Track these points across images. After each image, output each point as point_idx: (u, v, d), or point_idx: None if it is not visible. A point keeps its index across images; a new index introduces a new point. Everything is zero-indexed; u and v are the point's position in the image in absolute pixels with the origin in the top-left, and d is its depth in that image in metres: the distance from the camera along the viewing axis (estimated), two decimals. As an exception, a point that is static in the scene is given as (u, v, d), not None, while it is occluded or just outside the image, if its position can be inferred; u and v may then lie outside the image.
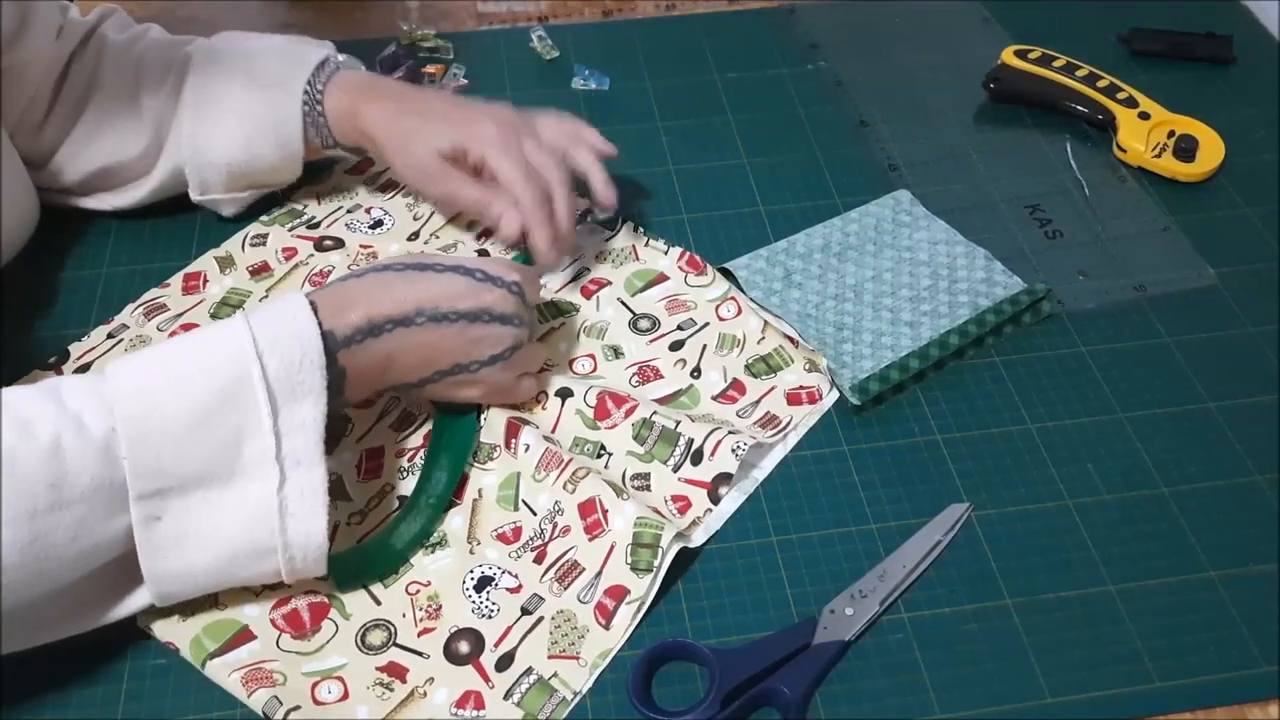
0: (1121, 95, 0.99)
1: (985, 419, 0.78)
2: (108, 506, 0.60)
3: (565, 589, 0.68)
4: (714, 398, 0.79)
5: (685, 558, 0.70)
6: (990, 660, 0.66)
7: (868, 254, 0.87)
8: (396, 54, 1.06)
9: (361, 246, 0.89)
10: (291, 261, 0.88)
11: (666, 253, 0.88)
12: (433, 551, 0.70)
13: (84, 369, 0.80)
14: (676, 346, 0.82)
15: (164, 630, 0.66)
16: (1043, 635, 0.67)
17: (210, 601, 0.67)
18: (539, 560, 0.70)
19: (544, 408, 0.77)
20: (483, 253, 0.88)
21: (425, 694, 0.64)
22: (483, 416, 0.76)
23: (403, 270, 0.70)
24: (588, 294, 0.86)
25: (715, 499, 0.72)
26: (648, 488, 0.73)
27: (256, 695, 0.63)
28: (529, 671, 0.65)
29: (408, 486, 0.73)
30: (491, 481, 0.73)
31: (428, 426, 0.77)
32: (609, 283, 0.86)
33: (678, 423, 0.74)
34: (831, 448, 0.76)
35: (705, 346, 0.82)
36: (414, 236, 0.90)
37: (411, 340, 0.69)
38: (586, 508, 0.71)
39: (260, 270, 0.87)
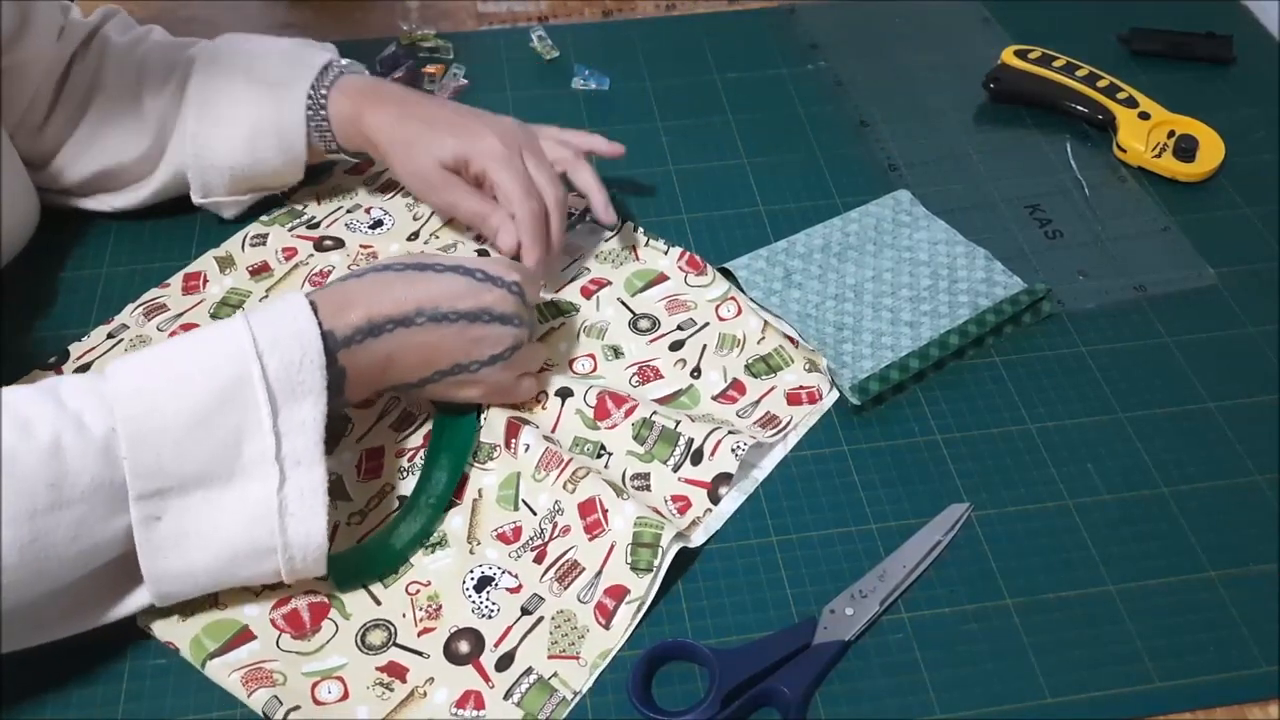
0: (1121, 95, 0.99)
1: (985, 419, 0.78)
2: (108, 506, 0.60)
3: (565, 589, 0.68)
4: (714, 398, 0.79)
5: (685, 558, 0.70)
6: (990, 660, 0.66)
7: (868, 254, 0.87)
8: (396, 54, 1.06)
9: (361, 246, 0.89)
10: (291, 261, 0.88)
11: (666, 253, 0.88)
12: (433, 551, 0.70)
13: (84, 369, 0.80)
14: (676, 346, 0.82)
15: (164, 630, 0.66)
16: (1043, 635, 0.67)
17: (210, 601, 0.67)
18: (539, 560, 0.70)
19: (544, 408, 0.77)
20: (482, 253, 0.88)
21: (425, 694, 0.64)
22: (483, 416, 0.76)
23: (403, 270, 0.70)
24: (588, 294, 0.86)
25: (715, 499, 0.72)
26: (648, 488, 0.73)
27: (256, 695, 0.63)
28: (529, 671, 0.65)
29: (408, 486, 0.73)
30: (491, 481, 0.73)
31: (428, 426, 0.77)
32: (609, 283, 0.86)
33: (678, 423, 0.74)
34: (831, 448, 0.76)
35: (705, 346, 0.82)
36: (414, 237, 0.90)
37: (412, 340, 0.69)
38: (586, 507, 0.71)
39: (260, 270, 0.87)
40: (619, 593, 0.67)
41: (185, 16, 1.11)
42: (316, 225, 0.91)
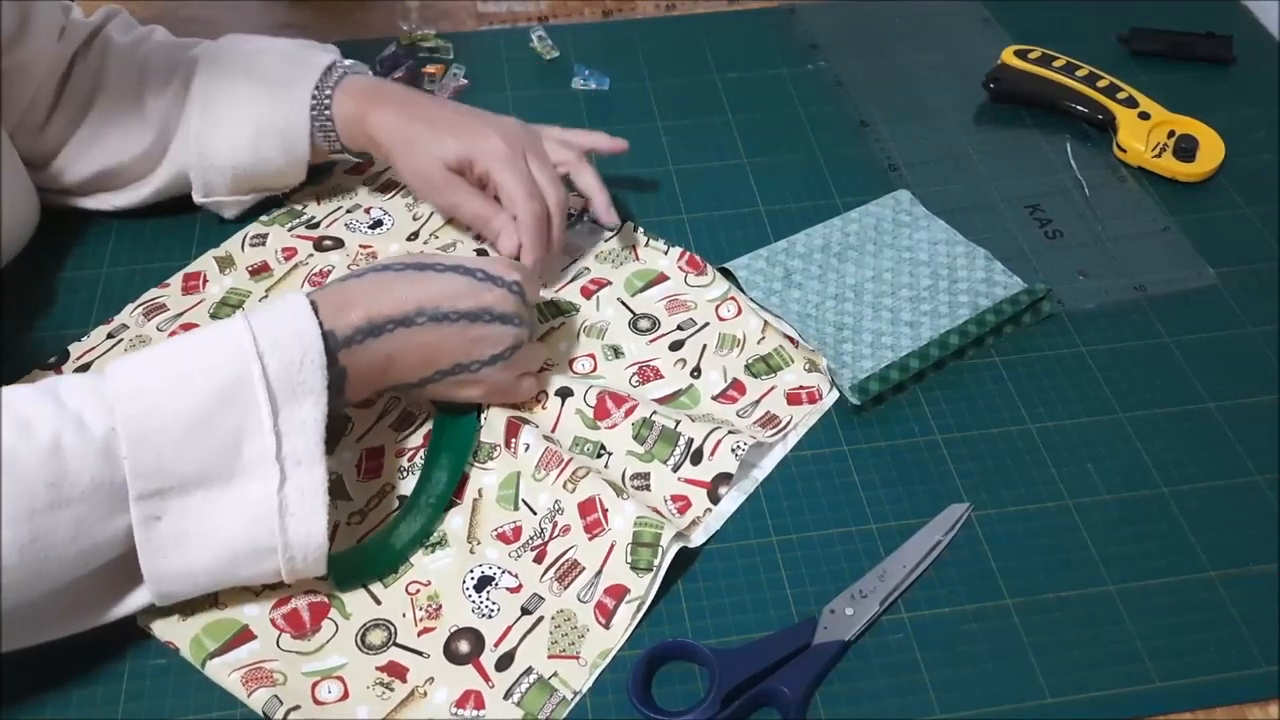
0: (1121, 95, 0.99)
1: (985, 419, 0.78)
2: (108, 506, 0.60)
3: (565, 588, 0.68)
4: (714, 398, 0.79)
5: (685, 558, 0.70)
6: (990, 660, 0.66)
7: (868, 254, 0.87)
8: (396, 54, 1.06)
9: (361, 246, 0.89)
10: (291, 261, 0.88)
11: (666, 253, 0.88)
12: (433, 551, 0.70)
13: (84, 369, 0.80)
14: (676, 346, 0.82)
15: (164, 630, 0.66)
16: (1043, 635, 0.67)
17: (210, 601, 0.67)
18: (539, 560, 0.70)
19: (544, 407, 0.77)
20: (481, 252, 0.88)
21: (425, 694, 0.64)
22: (483, 416, 0.76)
23: (403, 270, 0.70)
24: (588, 294, 0.86)
25: (715, 499, 0.72)
26: (647, 487, 0.73)
27: (256, 695, 0.63)
28: (529, 671, 0.65)
29: (408, 486, 0.73)
30: (491, 481, 0.73)
31: (428, 426, 0.77)
32: (609, 283, 0.86)
33: (678, 422, 0.74)
34: (831, 448, 0.76)
35: (705, 346, 0.82)
36: (413, 236, 0.90)
37: (412, 340, 0.69)
38: (586, 507, 0.71)
39: (260, 270, 0.87)
40: (619, 592, 0.67)
41: (185, 17, 1.11)
42: (316, 225, 0.91)
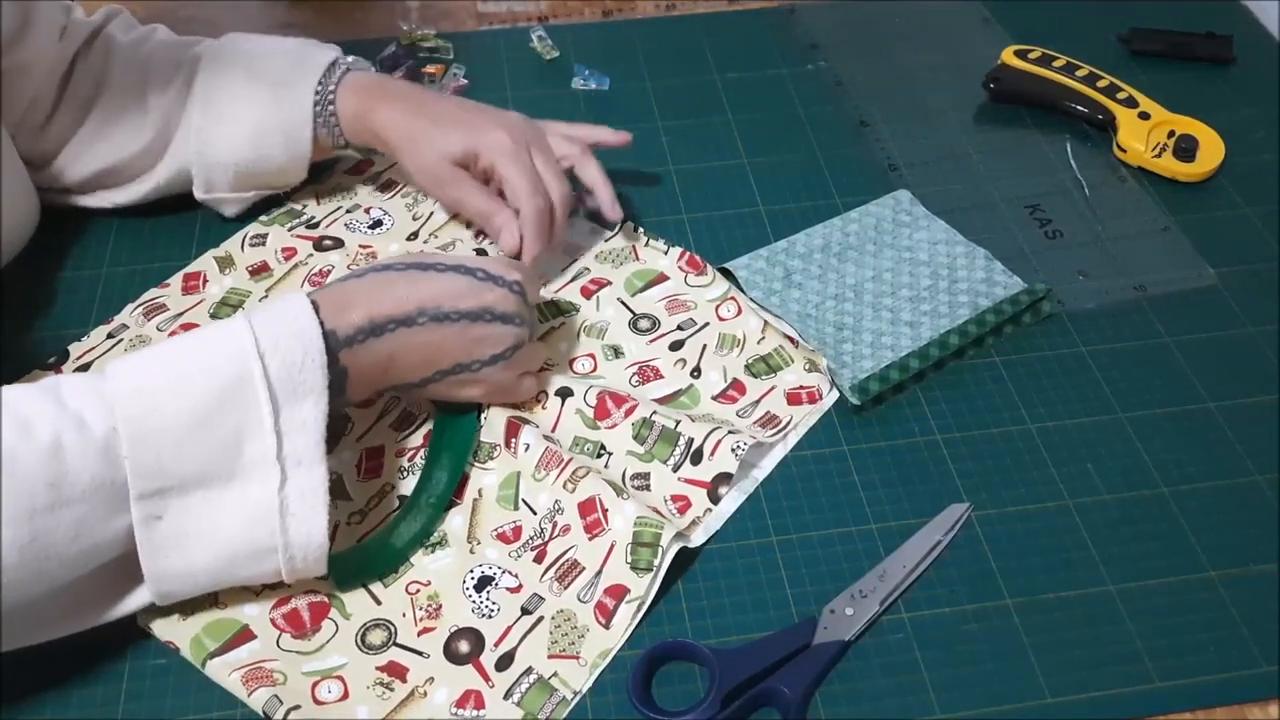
0: (1121, 95, 0.99)
1: (985, 419, 0.78)
2: (108, 506, 0.60)
3: (565, 588, 0.68)
4: (714, 398, 0.79)
5: (685, 558, 0.70)
6: (990, 660, 0.66)
7: (868, 254, 0.87)
8: (396, 54, 1.06)
9: (361, 246, 0.89)
10: (291, 261, 0.88)
11: (666, 253, 0.88)
12: (433, 551, 0.70)
13: (84, 369, 0.80)
14: (676, 346, 0.82)
15: (164, 630, 0.66)
16: (1043, 635, 0.67)
17: (210, 601, 0.67)
18: (539, 560, 0.70)
19: (544, 407, 0.77)
20: (481, 251, 0.88)
21: (425, 694, 0.64)
22: (483, 416, 0.76)
23: (404, 270, 0.70)
24: (588, 294, 0.86)
25: (715, 499, 0.72)
26: (647, 487, 0.73)
27: (256, 695, 0.63)
28: (529, 671, 0.65)
29: (408, 486, 0.73)
30: (491, 481, 0.73)
31: (428, 426, 0.77)
32: (609, 283, 0.86)
33: (678, 422, 0.74)
34: (831, 448, 0.76)
35: (705, 346, 0.82)
36: (413, 236, 0.90)
37: (413, 340, 0.69)
38: (586, 507, 0.71)
39: (260, 270, 0.87)
40: (619, 592, 0.67)
41: (185, 16, 1.11)
42: (316, 225, 0.91)
